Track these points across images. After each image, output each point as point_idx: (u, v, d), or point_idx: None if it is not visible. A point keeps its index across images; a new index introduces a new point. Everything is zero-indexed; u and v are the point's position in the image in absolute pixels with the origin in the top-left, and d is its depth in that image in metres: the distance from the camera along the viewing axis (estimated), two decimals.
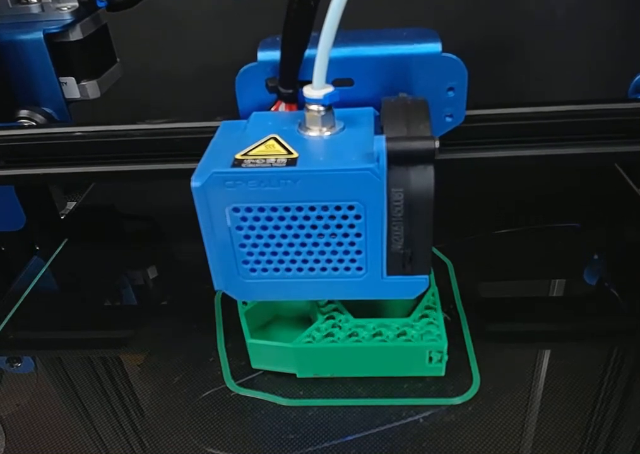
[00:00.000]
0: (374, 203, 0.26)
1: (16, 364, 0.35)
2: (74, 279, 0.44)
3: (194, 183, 0.26)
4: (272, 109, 0.32)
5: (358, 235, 0.27)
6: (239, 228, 0.28)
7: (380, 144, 0.25)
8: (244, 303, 0.34)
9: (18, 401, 0.33)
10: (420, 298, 0.32)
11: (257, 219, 0.27)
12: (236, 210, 0.27)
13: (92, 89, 0.44)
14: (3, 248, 0.49)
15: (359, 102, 0.31)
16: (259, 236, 0.28)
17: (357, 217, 0.27)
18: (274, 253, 0.28)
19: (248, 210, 0.27)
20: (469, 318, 0.36)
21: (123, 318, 0.40)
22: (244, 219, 0.27)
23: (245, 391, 0.32)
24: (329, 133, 0.28)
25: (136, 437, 0.31)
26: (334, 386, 0.32)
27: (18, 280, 0.43)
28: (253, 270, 0.29)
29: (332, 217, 0.27)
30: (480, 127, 0.34)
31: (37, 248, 0.49)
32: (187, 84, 0.68)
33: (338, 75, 0.31)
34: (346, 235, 0.28)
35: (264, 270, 0.29)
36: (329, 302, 0.33)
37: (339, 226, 0.27)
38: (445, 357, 0.31)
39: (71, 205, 0.68)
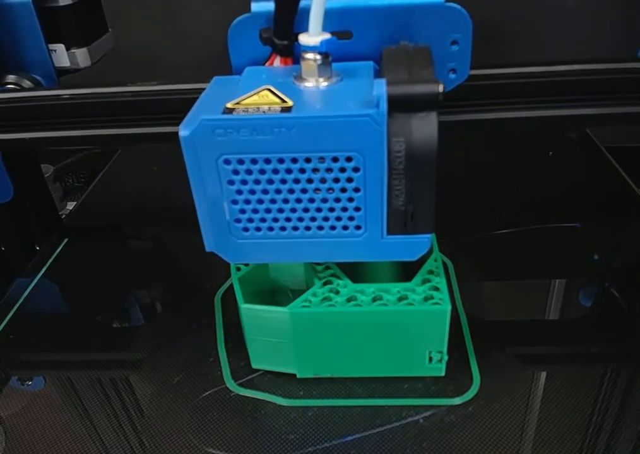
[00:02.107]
0: (374, 154, 0.25)
1: (27, 383, 0.35)
2: (74, 279, 0.43)
3: (182, 132, 0.25)
4: (267, 64, 0.30)
5: (356, 190, 0.26)
6: (231, 182, 0.26)
7: (381, 88, 0.24)
8: (238, 269, 0.32)
9: (17, 401, 0.33)
10: (421, 263, 0.31)
11: (249, 172, 0.26)
12: (227, 162, 0.25)
13: (82, 57, 0.43)
14: (3, 248, 0.48)
15: (358, 56, 0.30)
16: (252, 191, 0.26)
17: (356, 169, 0.25)
18: (268, 211, 0.27)
19: (240, 162, 0.25)
20: (469, 318, 0.35)
21: (123, 318, 0.39)
22: (236, 172, 0.26)
23: (245, 391, 0.32)
24: (326, 84, 0.27)
25: (136, 437, 0.30)
26: (334, 386, 0.32)
27: (18, 281, 0.42)
28: (246, 229, 0.28)
29: (329, 170, 0.25)
30: (485, 86, 0.33)
31: (37, 248, 0.48)
32: (185, 71, 0.67)
33: (336, 27, 0.29)
34: (344, 190, 0.26)
35: (258, 229, 0.28)
36: (327, 267, 0.32)
37: (336, 180, 0.26)
38: (445, 357, 0.30)
39: (71, 205, 0.67)
